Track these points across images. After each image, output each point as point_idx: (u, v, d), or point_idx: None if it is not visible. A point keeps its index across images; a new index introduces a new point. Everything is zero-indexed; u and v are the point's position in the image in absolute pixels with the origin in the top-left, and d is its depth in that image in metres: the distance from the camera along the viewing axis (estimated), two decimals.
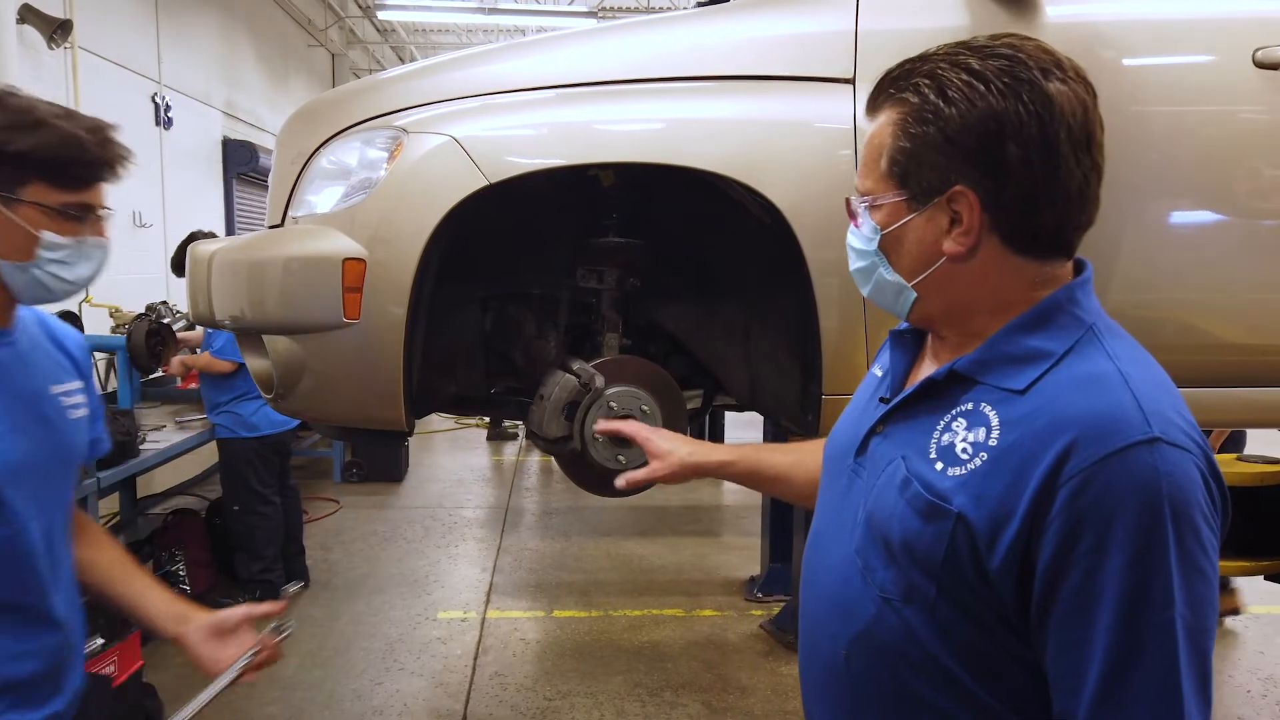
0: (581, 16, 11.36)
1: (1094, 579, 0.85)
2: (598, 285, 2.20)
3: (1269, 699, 3.75)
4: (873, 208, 1.03)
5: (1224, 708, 3.67)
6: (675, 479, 1.50)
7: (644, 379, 2.08)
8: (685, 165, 1.92)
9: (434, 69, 2.19)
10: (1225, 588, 4.53)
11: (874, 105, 1.03)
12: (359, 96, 2.17)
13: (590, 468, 2.03)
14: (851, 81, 1.93)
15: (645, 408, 2.05)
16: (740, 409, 2.50)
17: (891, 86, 1.01)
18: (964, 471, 0.94)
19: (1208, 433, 4.47)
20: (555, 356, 2.23)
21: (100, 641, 2.75)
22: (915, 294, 1.03)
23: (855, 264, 1.09)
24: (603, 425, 1.64)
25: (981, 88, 0.93)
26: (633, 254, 2.19)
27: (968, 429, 0.96)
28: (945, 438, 0.98)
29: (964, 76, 0.94)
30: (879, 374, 1.17)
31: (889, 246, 1.03)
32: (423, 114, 2.00)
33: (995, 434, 0.94)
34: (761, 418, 3.20)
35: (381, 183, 1.94)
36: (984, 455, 0.93)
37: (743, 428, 7.34)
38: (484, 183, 1.89)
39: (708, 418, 5.66)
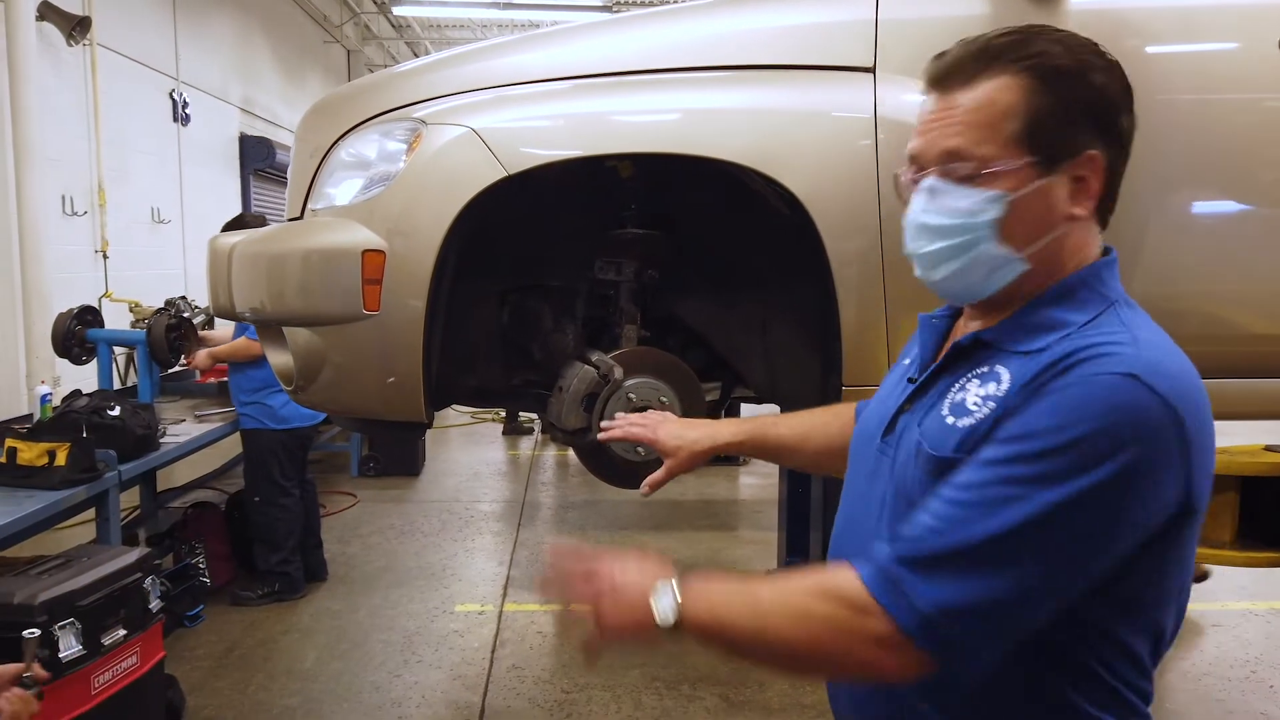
0: (596, 10, 11.35)
1: (1020, 447, 0.90)
2: (616, 277, 2.20)
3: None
4: (989, 175, 0.98)
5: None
6: (689, 467, 1.49)
7: (663, 371, 2.08)
8: (704, 156, 1.92)
9: (451, 61, 2.19)
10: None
11: (971, 72, 1.00)
12: (377, 89, 2.18)
13: (609, 459, 2.03)
14: (871, 70, 1.92)
15: (664, 399, 2.05)
16: (759, 401, 2.49)
17: (1006, 53, 0.98)
18: (973, 421, 0.96)
19: None
20: (573, 349, 2.23)
21: (122, 633, 2.77)
22: (1026, 266, 1.00)
23: (938, 243, 1.02)
24: (606, 435, 1.57)
25: (1099, 62, 0.99)
26: (651, 246, 2.18)
27: (980, 385, 0.98)
28: (959, 395, 1.00)
29: (1080, 54, 0.98)
30: (907, 363, 1.17)
31: (1007, 216, 0.98)
32: (441, 105, 2.01)
33: (1005, 386, 0.96)
34: (779, 410, 3.18)
35: (400, 174, 1.94)
36: (992, 404, 0.96)
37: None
38: (503, 174, 1.90)
39: (723, 412, 5.65)
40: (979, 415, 0.96)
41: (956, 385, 1.01)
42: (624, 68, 2.00)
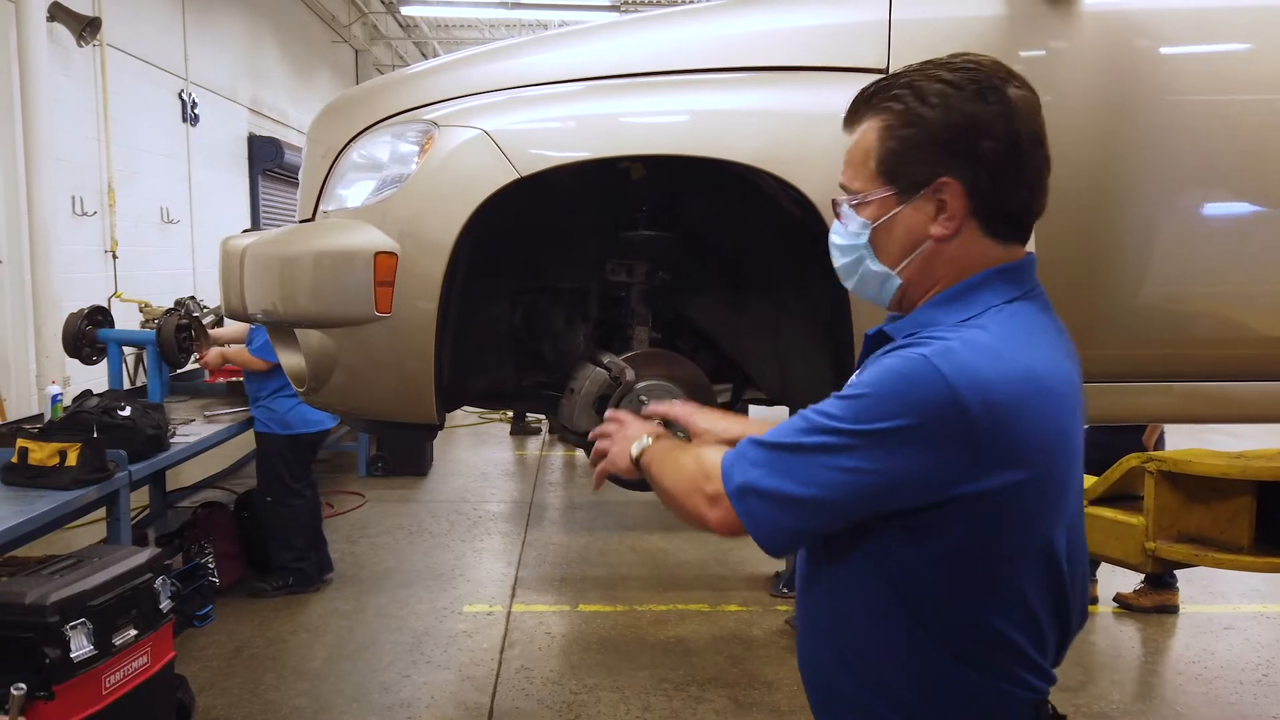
0: (604, 10, 11.35)
1: (836, 393, 1.11)
2: (627, 279, 2.19)
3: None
4: (862, 204, 1.17)
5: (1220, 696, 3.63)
6: None
7: (674, 373, 2.07)
8: (716, 157, 1.91)
9: (463, 63, 2.18)
10: (1167, 585, 4.41)
11: (854, 117, 1.18)
12: (388, 91, 2.17)
13: None
14: (885, 71, 1.91)
15: (676, 401, 2.04)
16: (769, 403, 2.48)
17: (872, 99, 1.16)
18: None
19: (1142, 428, 4.33)
20: (584, 350, 2.22)
21: (133, 633, 2.77)
22: (899, 280, 1.18)
23: (840, 260, 1.22)
24: (651, 409, 1.69)
25: (955, 92, 1.10)
26: (662, 247, 2.18)
27: (859, 375, 1.14)
28: (848, 386, 1.14)
29: (937, 85, 1.10)
30: None
31: (877, 238, 1.17)
32: (453, 107, 2.00)
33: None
34: (783, 412, 3.15)
35: (413, 176, 1.94)
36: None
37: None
38: (515, 176, 1.89)
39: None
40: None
41: (860, 368, 1.19)
42: (636, 69, 1.99)
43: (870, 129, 1.15)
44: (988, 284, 1.14)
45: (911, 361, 1.05)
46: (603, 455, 1.45)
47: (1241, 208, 2.10)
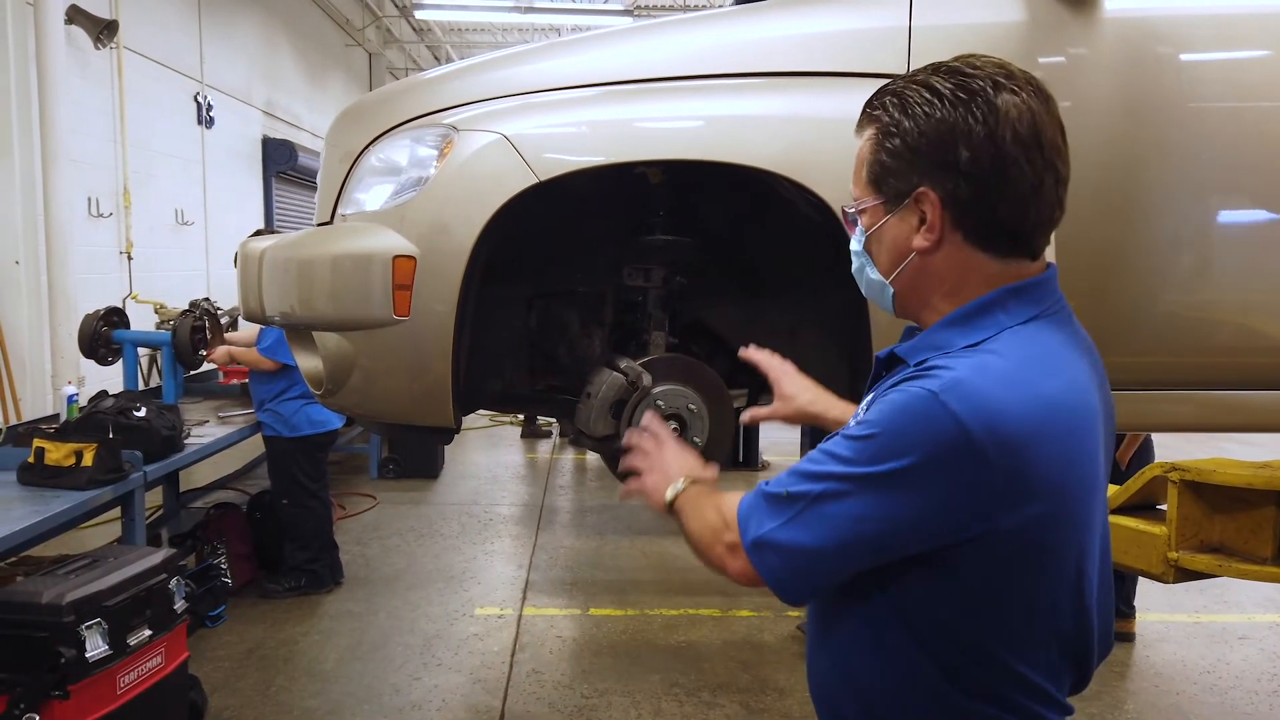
0: (617, 15, 11.36)
1: (843, 433, 1.08)
2: (644, 283, 2.20)
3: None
4: (859, 213, 1.17)
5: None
6: (793, 421, 1.61)
7: (691, 378, 2.07)
8: (735, 162, 1.91)
9: (482, 67, 2.19)
10: (1122, 614, 4.22)
11: (859, 125, 1.17)
12: (407, 95, 2.18)
13: None
14: None
15: (693, 406, 2.04)
16: None
17: (868, 107, 1.15)
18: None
19: (1122, 436, 4.10)
20: (600, 355, 2.22)
21: (148, 633, 2.78)
22: (893, 289, 1.17)
23: (853, 266, 1.23)
24: (748, 354, 1.66)
25: (935, 101, 1.07)
26: (680, 252, 2.18)
27: (866, 406, 1.11)
28: (862, 411, 1.12)
29: (923, 93, 1.08)
30: None
31: (872, 247, 1.17)
32: (472, 111, 2.01)
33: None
34: None
35: (432, 180, 1.95)
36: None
37: (778, 428, 7.29)
38: (535, 180, 1.90)
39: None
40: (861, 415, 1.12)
41: (871, 391, 1.17)
42: (656, 74, 2.00)
43: (866, 138, 1.15)
44: (1001, 303, 1.09)
45: (918, 398, 1.01)
46: (633, 471, 1.39)
47: (1262, 215, 2.10)
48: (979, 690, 1.08)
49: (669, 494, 1.29)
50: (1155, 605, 4.55)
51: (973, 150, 1.05)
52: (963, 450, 0.98)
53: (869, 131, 1.15)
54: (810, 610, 1.27)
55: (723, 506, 1.19)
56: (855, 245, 1.21)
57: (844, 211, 1.22)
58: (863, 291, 1.24)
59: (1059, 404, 1.03)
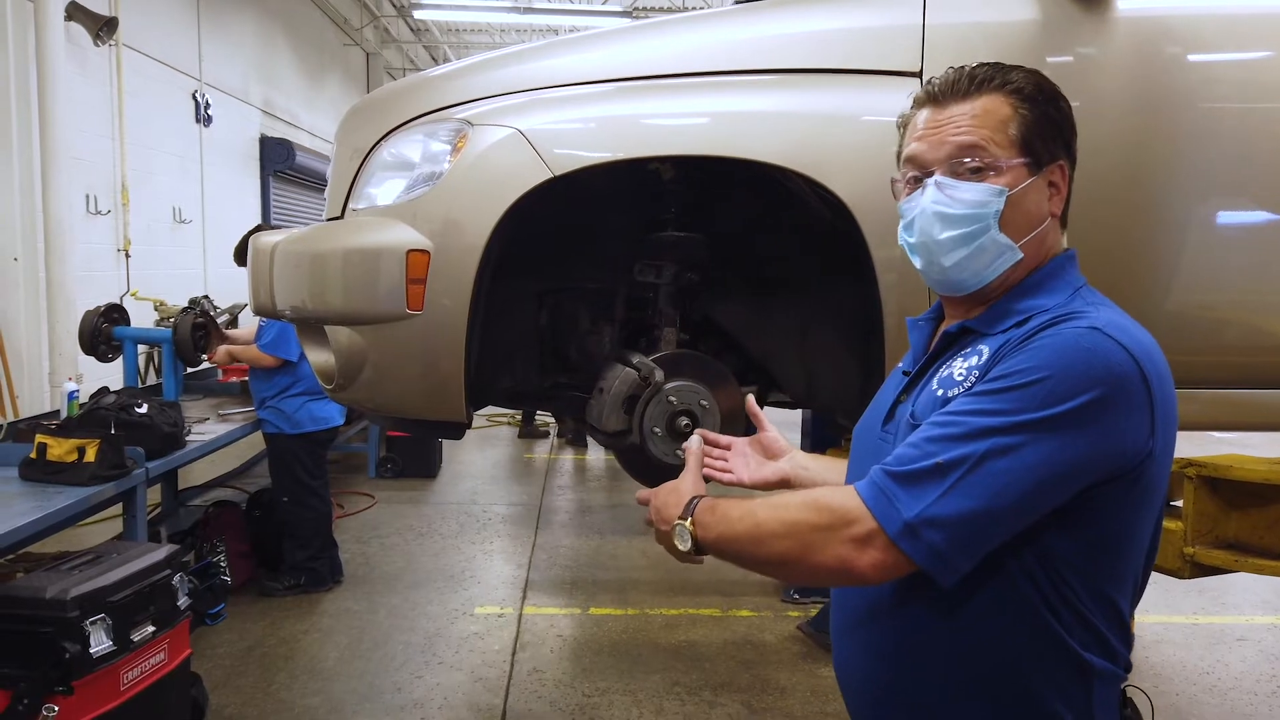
0: (616, 16, 11.37)
1: (995, 384, 1.05)
2: (655, 280, 2.19)
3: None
4: (995, 169, 1.14)
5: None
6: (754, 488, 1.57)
7: (703, 374, 2.07)
8: (748, 158, 1.91)
9: (494, 63, 2.19)
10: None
11: (970, 90, 1.16)
12: (418, 91, 2.18)
13: (649, 462, 2.03)
14: (919, 75, 1.91)
15: (704, 402, 2.04)
16: (794, 406, 2.48)
17: (992, 79, 1.16)
18: (960, 391, 1.10)
19: None
20: (611, 351, 2.22)
21: (151, 629, 2.77)
22: (1019, 255, 1.15)
23: (949, 231, 1.15)
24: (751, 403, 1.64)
25: (1060, 94, 1.18)
26: (691, 249, 2.18)
27: (964, 360, 1.13)
28: (946, 372, 1.14)
29: (1046, 85, 1.17)
30: (901, 366, 1.32)
31: (1005, 209, 1.14)
32: (486, 107, 2.01)
33: (985, 357, 1.11)
34: (798, 415, 3.12)
35: (446, 175, 1.94)
36: (975, 372, 1.10)
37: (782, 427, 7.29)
38: (549, 175, 1.90)
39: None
40: (963, 383, 1.10)
41: (944, 366, 1.16)
42: (670, 70, 2.00)
43: (998, 102, 1.14)
44: (1067, 267, 1.18)
45: (1085, 336, 1.04)
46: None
47: (1273, 214, 2.10)
48: (1085, 636, 1.10)
49: (684, 541, 1.19)
50: (1153, 607, 4.57)
51: (1076, 142, 1.20)
52: (1136, 379, 1.03)
53: (1003, 97, 1.14)
54: (844, 599, 1.24)
55: (820, 501, 1.10)
56: (961, 208, 1.14)
57: (923, 177, 1.17)
58: (954, 259, 1.15)
59: (1160, 350, 1.10)
